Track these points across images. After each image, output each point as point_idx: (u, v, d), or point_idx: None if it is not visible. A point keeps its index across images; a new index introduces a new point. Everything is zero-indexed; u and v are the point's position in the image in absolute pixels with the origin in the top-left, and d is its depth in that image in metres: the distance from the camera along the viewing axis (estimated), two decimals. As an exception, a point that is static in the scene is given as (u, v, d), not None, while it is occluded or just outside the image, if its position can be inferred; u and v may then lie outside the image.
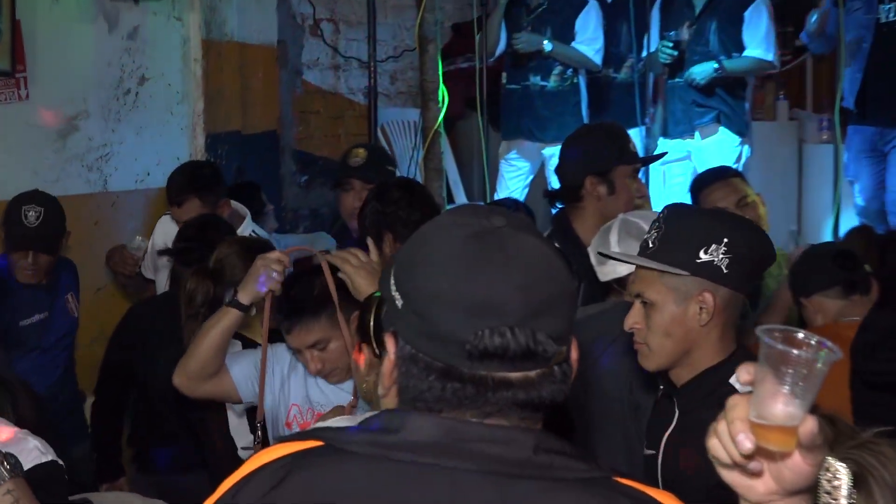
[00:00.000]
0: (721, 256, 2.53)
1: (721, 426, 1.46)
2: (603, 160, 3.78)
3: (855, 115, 6.59)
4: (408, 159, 6.87)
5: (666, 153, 5.98)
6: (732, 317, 2.62)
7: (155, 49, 6.14)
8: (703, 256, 2.54)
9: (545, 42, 6.43)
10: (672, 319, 2.57)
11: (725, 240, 2.53)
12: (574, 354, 1.52)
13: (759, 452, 1.45)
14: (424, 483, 1.47)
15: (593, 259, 3.35)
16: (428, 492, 1.47)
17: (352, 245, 4.53)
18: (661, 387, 2.72)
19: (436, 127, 5.66)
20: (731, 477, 1.48)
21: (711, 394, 2.48)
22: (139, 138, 6.00)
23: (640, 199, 3.96)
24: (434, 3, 5.52)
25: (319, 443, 1.54)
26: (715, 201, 4.12)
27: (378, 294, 2.98)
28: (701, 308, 2.54)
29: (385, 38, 6.84)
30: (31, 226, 4.46)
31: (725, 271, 2.52)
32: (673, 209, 2.73)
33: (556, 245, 1.59)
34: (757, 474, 1.45)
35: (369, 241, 3.55)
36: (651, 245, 2.60)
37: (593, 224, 3.68)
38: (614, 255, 2.95)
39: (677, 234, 2.57)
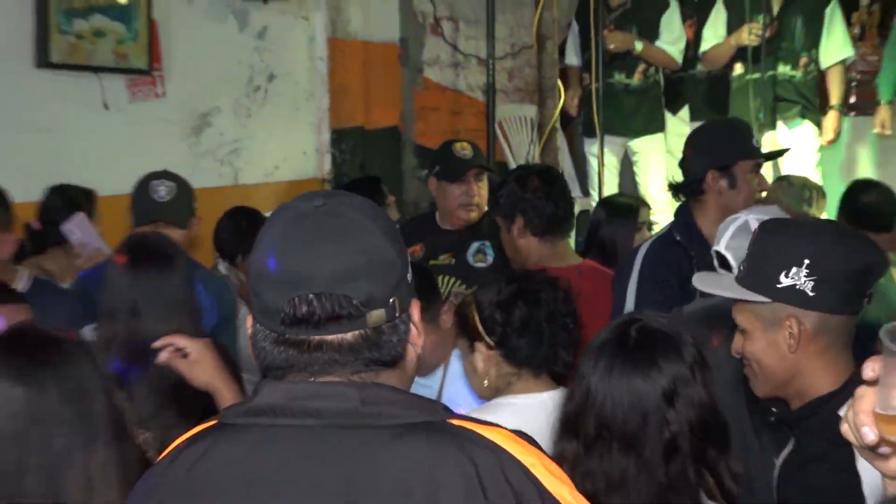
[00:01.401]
0: (804, 279, 2.32)
1: (849, 414, 1.46)
2: (725, 155, 3.72)
3: None
4: (524, 154, 6.86)
5: (790, 149, 5.88)
6: (837, 341, 2.39)
7: (283, 48, 6.21)
8: (784, 281, 2.34)
9: (636, 42, 6.38)
10: (764, 347, 2.40)
11: (807, 261, 2.32)
12: (415, 316, 1.60)
13: (884, 442, 1.44)
14: (278, 443, 1.54)
15: (715, 261, 3.25)
16: (282, 450, 1.53)
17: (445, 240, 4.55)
18: (774, 409, 2.53)
19: (552, 123, 5.63)
20: (867, 456, 1.48)
21: (825, 426, 2.25)
22: (268, 134, 6.07)
23: (761, 194, 3.91)
24: (552, 0, 5.47)
25: (213, 422, 1.63)
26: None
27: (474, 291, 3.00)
28: (790, 334, 2.34)
29: (503, 35, 6.81)
30: (160, 200, 4.14)
31: (811, 294, 2.31)
32: (764, 226, 2.53)
33: (395, 223, 1.73)
34: (889, 456, 1.44)
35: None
36: (741, 269, 2.44)
37: (715, 218, 3.59)
38: (699, 286, 2.70)
39: (761, 257, 2.39)
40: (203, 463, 1.57)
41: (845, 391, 2.27)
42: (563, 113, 6.20)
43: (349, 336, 1.53)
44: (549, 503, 1.47)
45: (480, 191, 4.51)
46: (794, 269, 2.31)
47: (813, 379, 2.37)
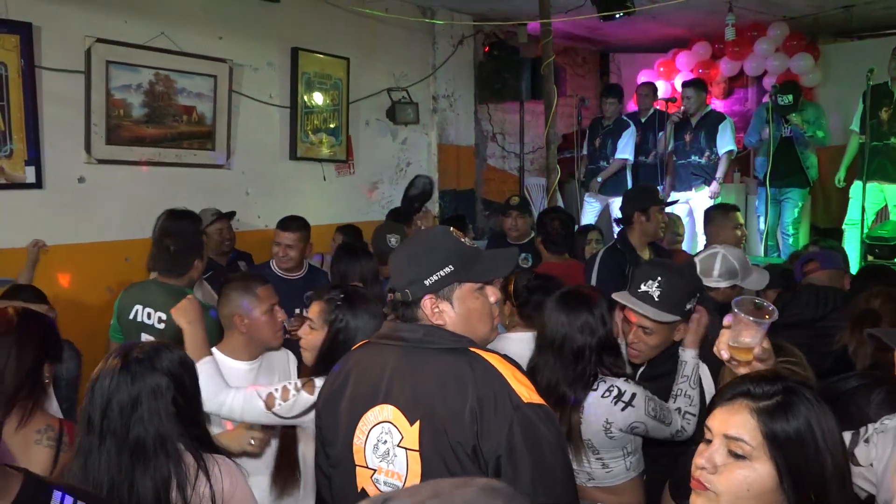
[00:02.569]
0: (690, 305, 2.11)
1: (718, 344, 1.49)
2: (644, 202, 3.54)
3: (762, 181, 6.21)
4: (539, 203, 6.83)
5: (677, 201, 5.78)
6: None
7: (414, 149, 6.19)
8: (688, 306, 2.09)
9: (598, 179, 6.15)
10: (661, 339, 2.14)
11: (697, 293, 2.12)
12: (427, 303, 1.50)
13: (734, 359, 1.47)
14: (382, 352, 1.53)
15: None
16: (383, 355, 1.52)
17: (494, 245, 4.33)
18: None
19: (553, 187, 5.62)
20: (729, 366, 1.51)
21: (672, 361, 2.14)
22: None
23: (664, 226, 3.60)
24: (554, 122, 5.48)
25: (367, 340, 1.62)
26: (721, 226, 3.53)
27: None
28: (677, 332, 2.14)
29: (528, 140, 6.73)
30: (391, 247, 3.69)
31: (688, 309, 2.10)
32: (674, 269, 2.18)
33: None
34: (738, 366, 1.47)
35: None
36: (656, 299, 2.09)
37: (640, 239, 3.44)
38: (620, 300, 2.19)
39: (677, 291, 2.09)
40: (355, 360, 1.59)
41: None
42: (559, 182, 6.19)
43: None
44: (511, 395, 1.39)
45: (517, 221, 4.33)
46: (691, 300, 2.11)
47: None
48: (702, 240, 5.02)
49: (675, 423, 2.05)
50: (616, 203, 5.89)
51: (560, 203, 6.54)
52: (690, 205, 6.18)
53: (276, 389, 2.03)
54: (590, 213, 6.42)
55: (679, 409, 2.07)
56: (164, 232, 3.10)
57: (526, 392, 1.41)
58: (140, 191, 4.33)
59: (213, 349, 2.27)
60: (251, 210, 4.80)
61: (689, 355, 2.13)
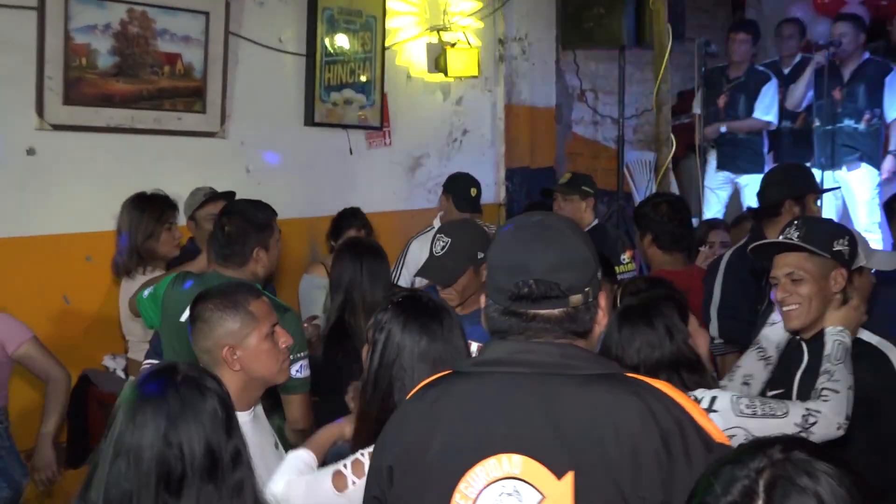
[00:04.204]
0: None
1: None
2: (799, 187, 3.52)
3: None
4: (644, 189, 6.74)
5: (838, 186, 5.59)
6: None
7: (473, 112, 6.22)
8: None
9: (721, 129, 6.14)
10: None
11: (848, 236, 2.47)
12: (602, 303, 1.59)
13: None
14: (490, 383, 1.55)
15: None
16: (494, 386, 1.54)
17: None
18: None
19: (666, 165, 5.49)
20: None
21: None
22: (462, 171, 6.01)
23: None
24: (667, 77, 5.35)
25: (449, 371, 1.64)
26: None
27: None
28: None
29: (629, 101, 6.66)
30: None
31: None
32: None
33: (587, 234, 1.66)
34: None
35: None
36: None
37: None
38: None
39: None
40: (444, 397, 1.59)
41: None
42: (674, 157, 6.07)
43: (556, 312, 1.53)
44: (699, 432, 1.45)
45: (563, 206, 4.42)
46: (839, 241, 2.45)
47: None
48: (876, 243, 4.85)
49: (794, 412, 2.17)
50: (751, 186, 5.74)
51: (674, 188, 6.42)
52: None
53: (345, 465, 2.07)
54: (714, 204, 6.30)
55: (816, 390, 2.24)
56: (223, 210, 3.31)
57: (714, 430, 1.48)
58: (107, 167, 4.38)
59: None
60: (253, 193, 4.45)
61: (830, 331, 2.37)
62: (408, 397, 1.70)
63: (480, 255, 2.99)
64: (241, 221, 3.10)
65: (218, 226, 3.14)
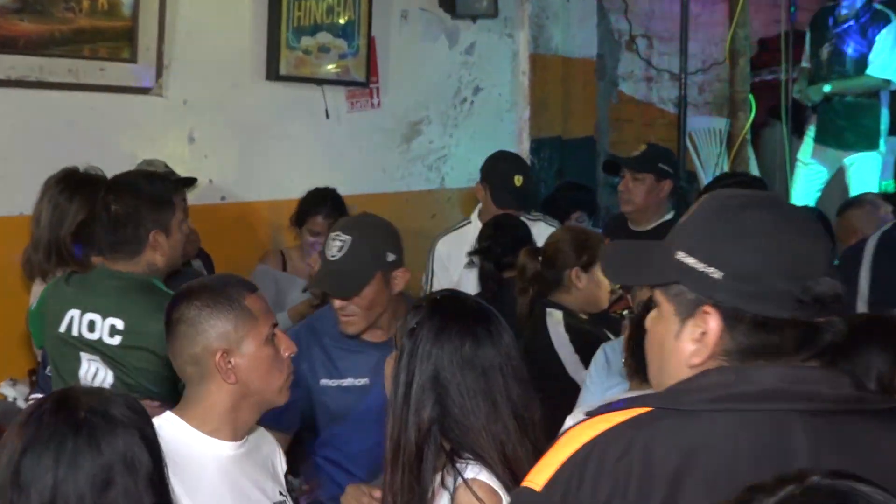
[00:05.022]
0: None
1: None
2: None
3: None
4: (712, 165, 6.68)
5: None
6: None
7: (488, 63, 6.18)
8: None
9: (825, 88, 6.09)
10: None
11: None
12: None
13: None
14: (766, 426, 1.49)
15: None
16: (751, 430, 1.49)
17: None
18: None
19: (743, 134, 5.41)
20: None
21: None
22: (472, 142, 6.06)
23: None
24: (745, 19, 5.25)
25: (647, 409, 1.56)
26: None
27: None
28: None
29: (695, 51, 6.66)
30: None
31: None
32: None
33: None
34: None
35: None
36: None
37: None
38: None
39: None
40: (659, 444, 1.52)
41: None
42: (754, 125, 6.01)
43: (833, 319, 1.53)
44: None
45: (632, 187, 4.55)
46: None
47: None
48: None
49: None
50: (861, 166, 5.61)
51: (752, 165, 6.33)
52: None
53: None
54: (807, 189, 6.23)
55: None
56: (109, 190, 3.35)
57: None
58: (6, 134, 4.36)
59: (168, 415, 2.38)
60: (198, 170, 4.81)
61: None
62: (585, 436, 1.59)
63: (391, 258, 3.07)
64: (130, 198, 3.16)
65: (101, 206, 3.20)
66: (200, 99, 4.94)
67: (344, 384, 3.22)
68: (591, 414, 1.64)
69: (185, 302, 2.36)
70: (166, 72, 4.77)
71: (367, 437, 3.07)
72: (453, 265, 4.77)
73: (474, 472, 2.28)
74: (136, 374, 3.10)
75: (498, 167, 4.68)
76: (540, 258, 3.76)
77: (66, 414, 1.68)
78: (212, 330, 2.32)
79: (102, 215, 3.20)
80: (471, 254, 4.53)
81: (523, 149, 6.26)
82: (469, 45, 6.05)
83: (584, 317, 3.71)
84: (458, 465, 2.28)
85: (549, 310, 3.66)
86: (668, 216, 4.50)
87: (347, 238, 3.08)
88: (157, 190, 3.29)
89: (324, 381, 3.25)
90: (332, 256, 3.07)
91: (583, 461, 1.55)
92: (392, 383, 2.33)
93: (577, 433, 1.59)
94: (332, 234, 3.13)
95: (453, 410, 2.30)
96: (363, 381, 3.19)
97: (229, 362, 2.32)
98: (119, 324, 3.09)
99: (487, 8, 5.91)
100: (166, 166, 4.37)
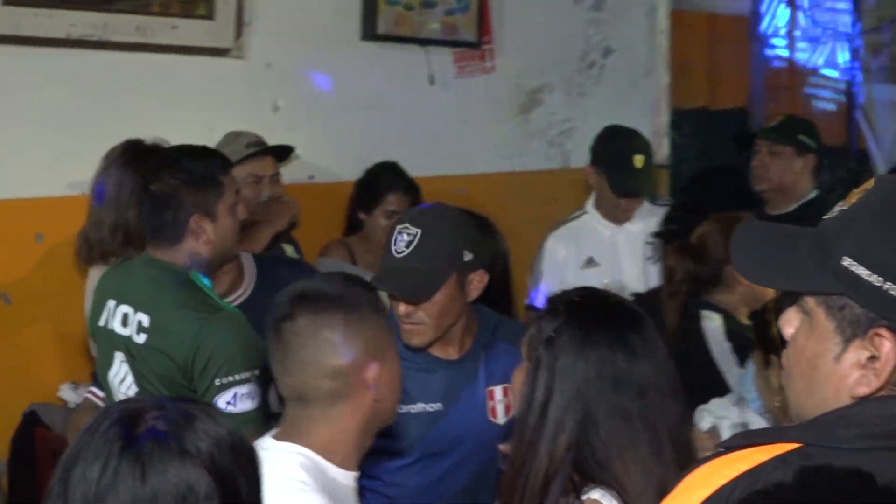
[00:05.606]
0: None
1: None
2: None
3: None
4: (890, 144, 6.59)
5: None
6: None
7: (620, 20, 6.17)
8: None
9: None
10: None
11: None
12: None
13: None
14: None
15: None
16: None
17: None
18: None
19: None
20: None
21: None
22: (601, 113, 5.93)
23: None
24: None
25: (794, 445, 1.53)
26: None
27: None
28: None
29: (870, 6, 6.54)
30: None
31: None
32: None
33: None
34: None
35: None
36: None
37: None
38: None
39: None
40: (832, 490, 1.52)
41: None
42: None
43: None
44: None
45: (768, 162, 4.68)
46: None
47: None
48: None
49: None
50: None
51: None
52: None
53: None
54: None
55: None
56: (148, 167, 3.48)
57: None
58: (64, 101, 4.46)
59: (300, 450, 2.36)
60: (282, 140, 4.85)
61: None
62: (722, 477, 1.58)
63: (468, 257, 3.02)
64: (169, 177, 3.25)
65: (141, 186, 3.34)
66: (286, 62, 5.02)
67: (414, 410, 3.16)
68: (727, 447, 1.63)
69: (323, 304, 2.37)
70: (247, 30, 4.87)
71: (433, 470, 3.12)
72: (568, 266, 4.77)
73: (598, 494, 2.27)
74: (155, 381, 3.18)
75: (613, 147, 4.66)
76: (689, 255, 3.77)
77: (121, 429, 1.70)
78: (362, 340, 2.35)
79: (143, 196, 3.33)
80: (657, 235, 4.56)
81: (661, 121, 6.26)
82: (596, 1, 6.07)
83: (746, 320, 3.64)
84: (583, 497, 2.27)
85: (704, 312, 3.66)
86: (811, 195, 4.49)
87: (417, 231, 3.03)
88: (200, 168, 3.35)
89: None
90: (400, 252, 3.02)
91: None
92: (522, 402, 2.34)
93: (714, 471, 1.58)
94: (400, 227, 3.08)
95: (596, 438, 2.29)
96: (436, 406, 3.16)
97: (374, 377, 2.37)
98: (145, 320, 3.19)
99: (621, -46, 5.85)
100: (258, 138, 4.48)
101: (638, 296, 4.28)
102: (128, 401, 1.91)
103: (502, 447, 2.64)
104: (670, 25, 6.30)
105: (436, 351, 3.16)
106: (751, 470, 1.52)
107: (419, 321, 3.03)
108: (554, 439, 2.27)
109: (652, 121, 6.27)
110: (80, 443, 1.70)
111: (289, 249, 4.52)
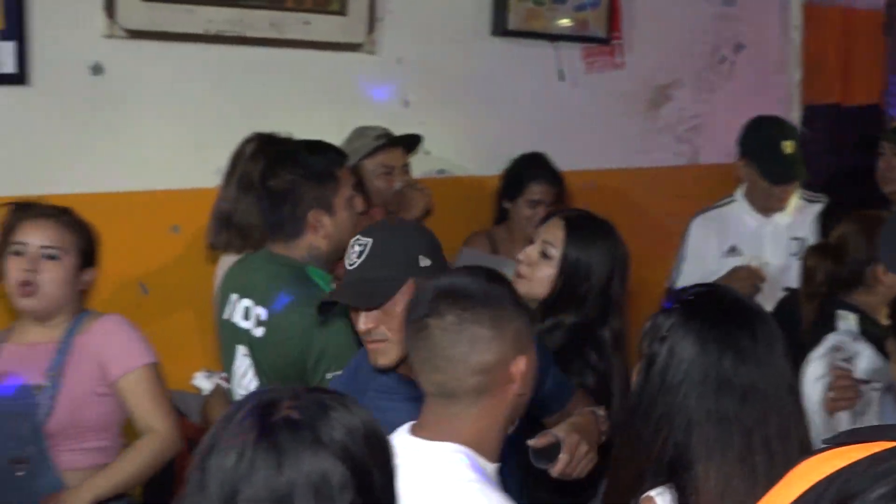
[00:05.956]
0: None
1: None
2: None
3: None
4: None
5: None
6: None
7: (752, 15, 6.18)
8: None
9: None
10: None
11: None
12: None
13: None
14: None
15: None
16: None
17: None
18: None
19: None
20: None
21: None
22: (732, 109, 6.01)
23: None
24: None
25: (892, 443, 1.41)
26: None
27: None
28: None
29: None
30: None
31: None
32: None
33: None
34: None
35: None
36: None
37: None
38: None
39: None
40: None
41: None
42: None
43: None
44: None
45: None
46: None
47: None
48: None
49: None
50: None
51: None
52: None
53: None
54: None
55: None
56: (266, 162, 3.62)
57: None
58: (199, 95, 4.59)
59: (459, 448, 2.37)
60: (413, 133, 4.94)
61: None
62: (817, 473, 1.49)
63: (425, 262, 2.89)
64: (287, 173, 3.37)
65: (259, 181, 3.47)
66: (416, 57, 5.12)
67: None
68: (829, 443, 1.54)
69: (470, 300, 2.39)
70: (378, 26, 4.97)
71: None
72: (710, 252, 4.78)
73: (656, 492, 2.32)
74: (273, 375, 3.25)
75: (761, 135, 4.65)
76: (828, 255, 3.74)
77: (258, 418, 1.76)
78: (508, 335, 2.37)
79: (262, 192, 3.45)
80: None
81: (793, 117, 6.19)
82: (728, -6, 6.10)
83: (886, 320, 3.53)
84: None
85: (840, 312, 3.60)
86: None
87: (367, 241, 2.93)
88: (317, 163, 3.46)
89: None
90: (352, 264, 2.92)
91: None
92: (632, 395, 2.42)
93: (813, 467, 1.49)
94: (353, 240, 2.98)
95: (689, 439, 2.32)
96: None
97: (516, 374, 2.39)
98: (263, 314, 3.29)
99: (752, -51, 5.88)
100: (385, 131, 4.59)
101: (790, 290, 4.29)
102: (262, 391, 1.96)
103: (531, 442, 2.69)
104: (803, 21, 6.30)
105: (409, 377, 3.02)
106: (847, 467, 1.40)
107: (381, 337, 2.88)
108: (653, 435, 2.32)
109: (783, 116, 6.17)
110: (217, 432, 1.77)
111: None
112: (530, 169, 4.92)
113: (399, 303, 2.85)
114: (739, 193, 4.79)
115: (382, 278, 2.87)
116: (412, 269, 2.88)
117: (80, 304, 3.61)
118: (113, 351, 3.50)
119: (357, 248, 2.92)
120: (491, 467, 2.41)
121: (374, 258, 2.89)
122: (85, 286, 3.60)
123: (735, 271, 4.76)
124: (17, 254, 3.48)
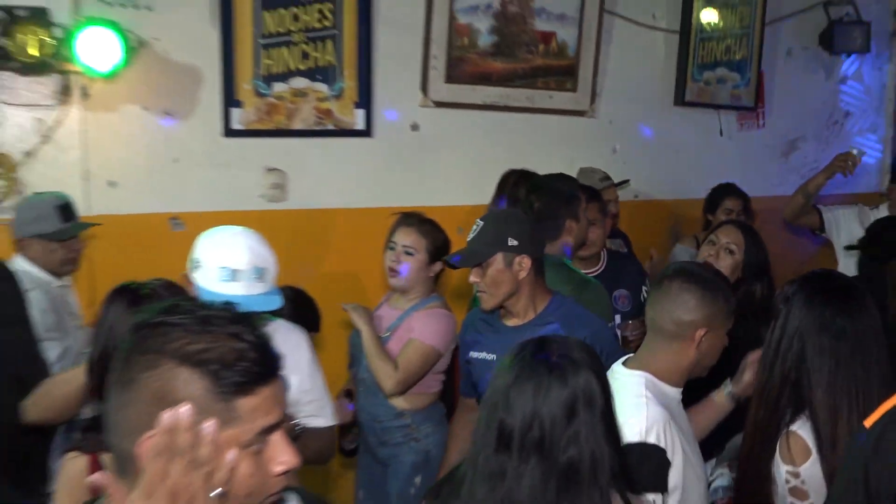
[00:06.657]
0: None
1: None
2: None
3: None
4: None
5: None
6: None
7: (858, 91, 6.48)
8: None
9: None
10: None
11: None
12: None
13: None
14: None
15: None
16: None
17: None
18: None
19: None
20: None
21: None
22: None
23: None
24: None
25: None
26: None
27: None
28: None
29: None
30: None
31: None
32: None
33: None
34: None
35: None
36: None
37: None
38: None
39: None
40: None
41: None
42: None
43: None
44: None
45: None
46: None
47: None
48: None
49: None
50: None
51: None
52: None
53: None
54: None
55: None
56: (528, 187, 3.79)
57: None
58: (479, 144, 5.07)
59: (644, 374, 2.49)
60: (619, 173, 5.34)
61: None
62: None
63: (513, 243, 3.07)
64: (548, 196, 3.58)
65: (526, 204, 3.60)
66: (622, 119, 5.55)
67: (479, 357, 3.31)
68: None
69: (693, 278, 2.52)
70: (598, 98, 5.44)
71: None
72: (842, 236, 5.02)
73: (798, 425, 2.40)
74: None
75: None
76: None
77: (542, 357, 1.88)
78: (704, 311, 2.49)
79: (529, 211, 3.52)
80: (849, 248, 4.71)
81: (884, 164, 6.58)
82: (843, 76, 6.44)
83: None
84: (796, 418, 2.40)
85: None
86: None
87: (481, 223, 3.14)
88: (567, 188, 3.69)
89: (472, 354, 3.36)
90: (469, 239, 3.16)
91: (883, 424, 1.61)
92: (766, 344, 2.49)
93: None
94: (476, 221, 3.21)
95: (807, 368, 2.40)
96: (492, 356, 3.25)
97: (703, 337, 2.49)
98: None
99: (861, 45, 6.09)
100: (605, 173, 4.86)
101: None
102: (525, 343, 2.01)
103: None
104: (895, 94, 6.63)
105: (504, 318, 3.23)
106: None
107: (481, 289, 3.12)
108: (783, 363, 2.40)
109: (877, 165, 6.62)
110: (512, 371, 1.89)
111: (616, 243, 4.75)
112: (722, 190, 5.07)
113: (491, 266, 3.08)
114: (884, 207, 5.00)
115: (480, 248, 3.09)
116: (502, 246, 3.07)
117: (431, 287, 3.81)
118: (417, 325, 3.69)
119: (475, 227, 3.15)
120: (675, 391, 2.53)
121: (481, 235, 3.12)
122: (433, 273, 3.75)
123: (836, 156, 4.97)
124: (391, 249, 3.75)
